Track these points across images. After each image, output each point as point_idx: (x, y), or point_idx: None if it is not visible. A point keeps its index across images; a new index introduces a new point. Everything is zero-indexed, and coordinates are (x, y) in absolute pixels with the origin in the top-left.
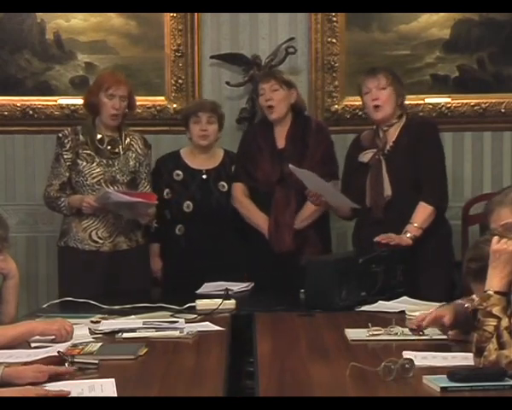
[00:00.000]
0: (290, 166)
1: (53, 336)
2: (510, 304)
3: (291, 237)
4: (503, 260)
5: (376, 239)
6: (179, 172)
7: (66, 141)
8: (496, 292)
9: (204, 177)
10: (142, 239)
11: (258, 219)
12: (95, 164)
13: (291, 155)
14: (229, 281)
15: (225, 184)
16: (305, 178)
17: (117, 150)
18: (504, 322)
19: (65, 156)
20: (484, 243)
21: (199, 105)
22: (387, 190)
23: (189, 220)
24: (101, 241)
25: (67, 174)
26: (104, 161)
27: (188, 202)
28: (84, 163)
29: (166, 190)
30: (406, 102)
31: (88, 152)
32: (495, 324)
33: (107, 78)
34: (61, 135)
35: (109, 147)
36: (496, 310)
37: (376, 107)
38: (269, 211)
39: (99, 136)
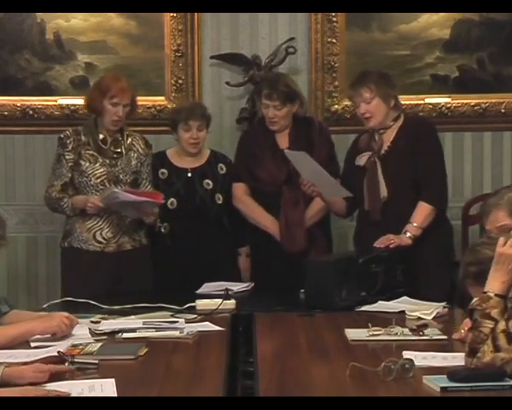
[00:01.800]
0: (285, 150)
1: (54, 333)
2: (508, 307)
3: (303, 236)
4: (508, 265)
5: (375, 245)
6: (164, 170)
7: (68, 142)
8: (496, 295)
9: (189, 175)
10: (145, 239)
11: (265, 219)
12: (98, 164)
13: None
14: (215, 278)
15: (210, 182)
16: (300, 164)
17: (119, 150)
18: (501, 325)
19: (67, 157)
20: (481, 245)
21: (189, 112)
22: (383, 192)
23: (173, 218)
24: (105, 241)
25: (69, 175)
26: (107, 161)
27: (172, 199)
28: (87, 164)
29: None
30: (406, 102)
31: (90, 152)
32: (491, 326)
33: (111, 85)
34: (62, 136)
35: (112, 147)
36: (494, 313)
37: (367, 118)
38: (271, 211)
39: (101, 136)
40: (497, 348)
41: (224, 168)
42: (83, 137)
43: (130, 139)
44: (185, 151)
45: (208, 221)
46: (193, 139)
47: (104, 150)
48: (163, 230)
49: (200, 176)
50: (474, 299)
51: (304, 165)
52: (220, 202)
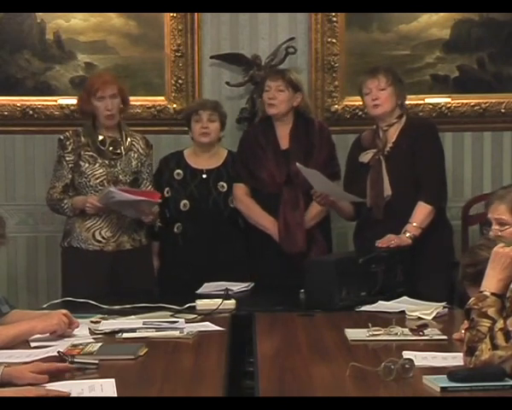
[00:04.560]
0: (297, 164)
1: (54, 331)
2: (505, 306)
3: (303, 238)
4: (503, 263)
5: (376, 245)
6: (180, 171)
7: (67, 143)
8: (492, 294)
9: (204, 176)
10: (145, 239)
11: (265, 220)
12: (97, 165)
13: (297, 155)
14: (226, 280)
15: (225, 185)
16: (312, 178)
17: (119, 151)
18: (499, 323)
19: (67, 158)
20: (480, 247)
21: (200, 104)
22: (387, 190)
23: (186, 219)
24: (104, 241)
25: (70, 176)
26: (106, 161)
27: (185, 201)
28: (87, 164)
29: (167, 189)
30: (406, 102)
31: (90, 154)
32: (489, 325)
33: (94, 81)
34: (62, 137)
35: (111, 148)
36: (491, 312)
37: (375, 105)
38: (272, 212)
39: (100, 137)
40: (494, 347)
41: None
42: (82, 139)
43: (129, 140)
44: (200, 146)
45: (221, 223)
46: (203, 128)
47: (103, 151)
48: (176, 230)
49: (215, 178)
50: (471, 299)
51: (316, 179)
52: (233, 205)
